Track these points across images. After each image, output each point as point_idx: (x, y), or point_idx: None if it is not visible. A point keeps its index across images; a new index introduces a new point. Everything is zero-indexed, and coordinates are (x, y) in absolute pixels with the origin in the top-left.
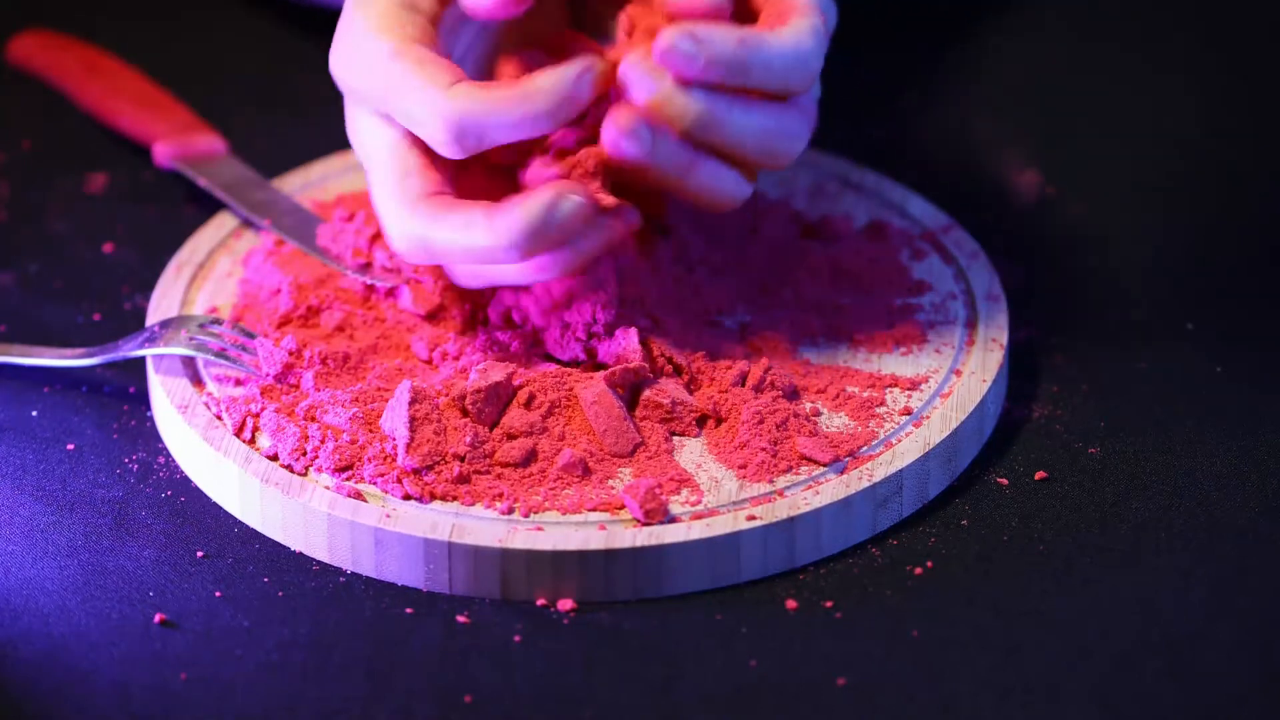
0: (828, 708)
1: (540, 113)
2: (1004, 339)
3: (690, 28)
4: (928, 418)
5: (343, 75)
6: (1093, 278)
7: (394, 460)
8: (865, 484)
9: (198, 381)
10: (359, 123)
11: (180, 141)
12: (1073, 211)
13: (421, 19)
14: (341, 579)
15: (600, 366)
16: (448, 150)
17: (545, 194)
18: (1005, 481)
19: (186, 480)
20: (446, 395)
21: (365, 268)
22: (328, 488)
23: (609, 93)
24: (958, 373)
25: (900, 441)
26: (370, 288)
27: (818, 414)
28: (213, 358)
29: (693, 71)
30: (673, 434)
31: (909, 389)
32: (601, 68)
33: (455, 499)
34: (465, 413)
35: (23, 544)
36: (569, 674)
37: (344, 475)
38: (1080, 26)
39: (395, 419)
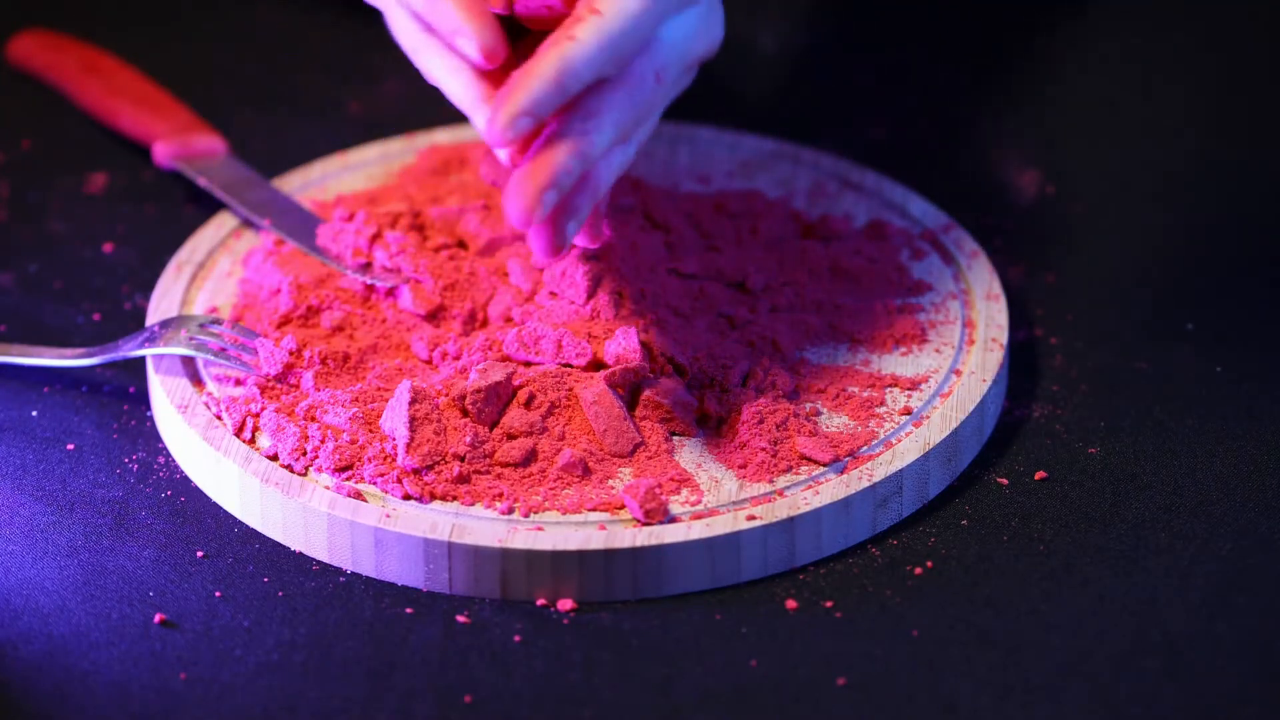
0: (828, 708)
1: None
2: (1004, 339)
3: (509, 108)
4: (928, 418)
5: None
6: (1093, 278)
7: (394, 460)
8: (865, 484)
9: (198, 381)
10: (399, 22)
11: (180, 141)
12: (1073, 211)
13: None
14: (341, 579)
15: (600, 366)
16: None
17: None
18: (1005, 481)
19: (186, 480)
20: (446, 395)
21: (365, 268)
22: (328, 488)
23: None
24: (958, 373)
25: (900, 441)
26: (370, 288)
27: (818, 414)
28: (213, 358)
29: (535, 126)
30: (673, 434)
31: (909, 389)
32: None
33: (455, 499)
34: (465, 413)
35: (23, 544)
36: (569, 674)
37: (344, 475)
38: (1081, 26)
39: (395, 419)
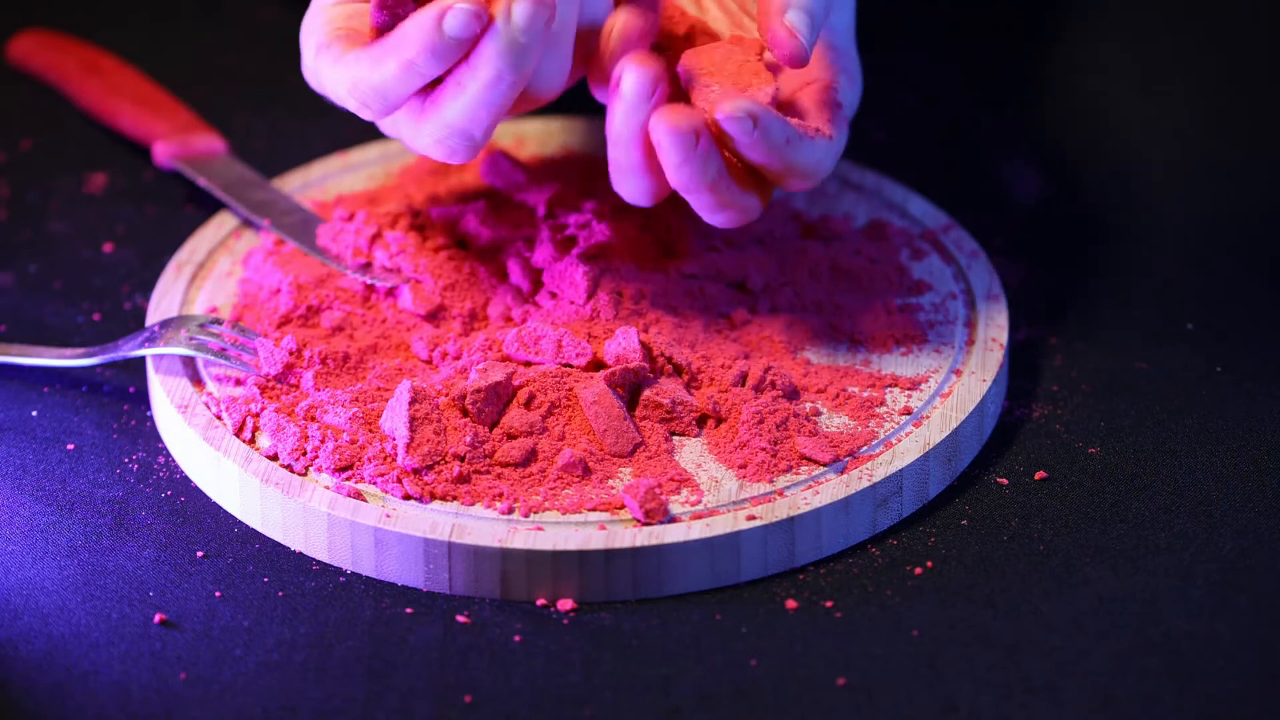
0: (828, 708)
1: (414, 59)
2: (1004, 339)
3: (755, 110)
4: (928, 417)
5: (309, 80)
6: (1092, 277)
7: (394, 460)
8: (865, 484)
9: (198, 381)
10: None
11: (180, 141)
12: (1073, 211)
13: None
14: (341, 579)
15: (600, 366)
16: (370, 116)
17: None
18: (1005, 481)
19: (186, 480)
20: (446, 395)
21: (365, 268)
22: (328, 488)
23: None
24: (958, 373)
25: (900, 441)
26: (370, 288)
27: (818, 414)
28: (213, 358)
29: (739, 146)
30: (673, 434)
31: (909, 389)
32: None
33: (455, 499)
34: (465, 413)
35: (23, 544)
36: (569, 674)
37: (344, 475)
38: (1081, 26)
39: (395, 419)
